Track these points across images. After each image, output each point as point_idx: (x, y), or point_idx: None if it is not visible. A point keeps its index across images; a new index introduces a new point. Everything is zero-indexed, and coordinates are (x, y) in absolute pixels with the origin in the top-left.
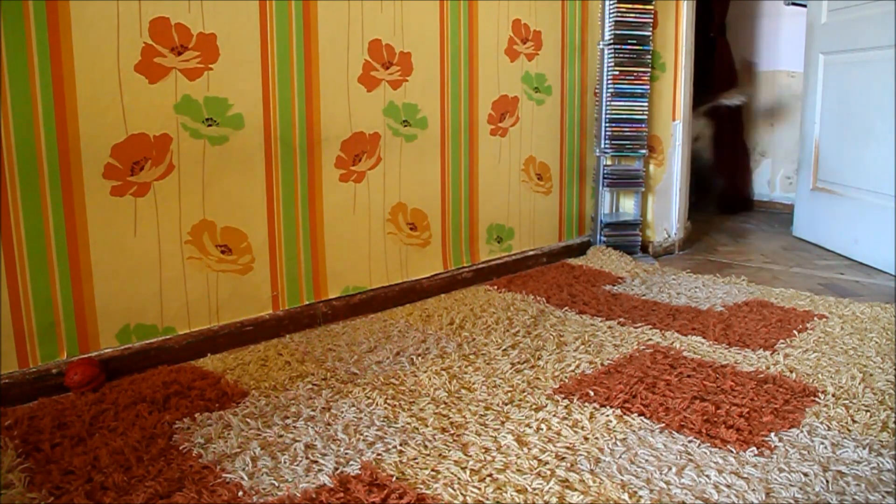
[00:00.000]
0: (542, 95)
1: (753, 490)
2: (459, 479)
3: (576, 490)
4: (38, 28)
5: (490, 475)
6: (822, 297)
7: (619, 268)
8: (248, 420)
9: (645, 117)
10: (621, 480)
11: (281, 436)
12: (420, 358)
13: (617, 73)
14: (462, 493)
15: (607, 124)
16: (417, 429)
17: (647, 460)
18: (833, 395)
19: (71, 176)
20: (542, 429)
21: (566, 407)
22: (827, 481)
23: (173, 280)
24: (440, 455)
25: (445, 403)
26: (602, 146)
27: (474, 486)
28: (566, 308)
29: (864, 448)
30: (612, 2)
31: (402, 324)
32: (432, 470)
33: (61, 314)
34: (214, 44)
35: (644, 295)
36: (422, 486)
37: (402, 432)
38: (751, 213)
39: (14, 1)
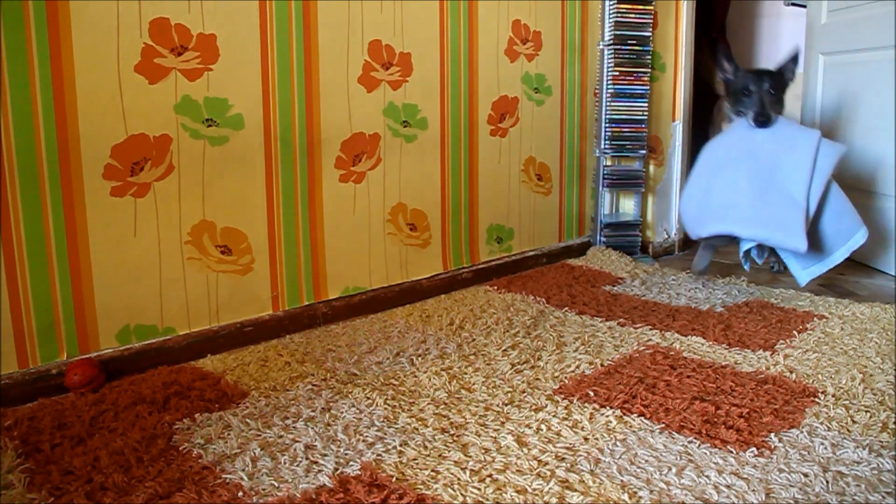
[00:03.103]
0: (541, 96)
1: (753, 490)
2: (459, 479)
3: (576, 491)
4: (38, 28)
5: (490, 476)
6: (822, 297)
7: (618, 268)
8: (248, 420)
9: (645, 117)
10: (621, 481)
11: (281, 436)
12: (420, 358)
13: (617, 73)
14: (462, 494)
15: (607, 124)
16: (417, 429)
17: (646, 461)
18: (833, 396)
19: (71, 176)
20: (541, 429)
21: (566, 407)
22: (827, 482)
23: (173, 280)
24: (440, 455)
25: (445, 404)
26: (602, 146)
27: (474, 487)
28: (566, 309)
29: (863, 449)
30: (612, 2)
31: (402, 324)
32: (432, 470)
33: (61, 314)
34: (214, 44)
35: (644, 295)
36: (422, 487)
37: (401, 433)
38: None
39: (14, 1)
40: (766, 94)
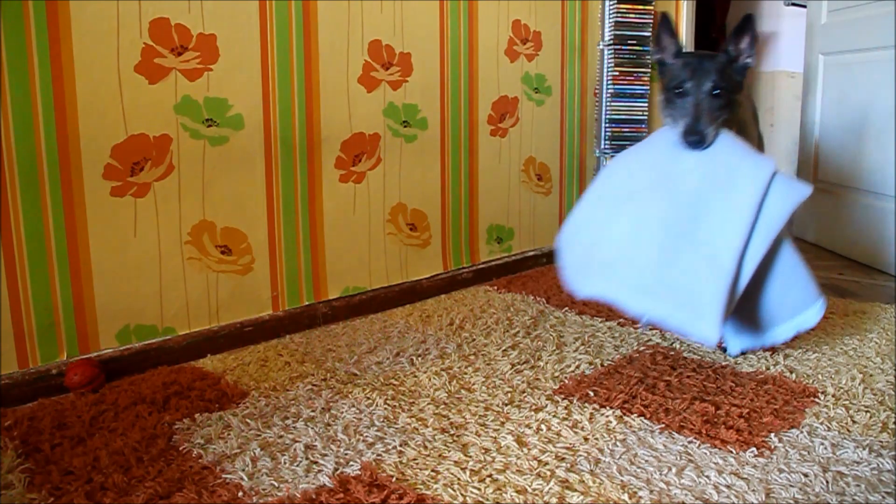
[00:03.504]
0: (541, 96)
1: (753, 490)
2: (459, 479)
3: (576, 491)
4: (38, 28)
5: (490, 476)
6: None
7: None
8: (248, 420)
9: (645, 117)
10: (621, 481)
11: (281, 436)
12: (420, 358)
13: (617, 73)
14: (462, 494)
15: (607, 124)
16: (417, 429)
17: (646, 461)
18: (833, 396)
19: (71, 176)
20: (541, 429)
21: (566, 407)
22: (827, 482)
23: (173, 280)
24: (440, 455)
25: (445, 404)
26: (602, 146)
27: (474, 487)
28: (566, 308)
29: (863, 449)
30: (612, 2)
31: (402, 324)
32: (432, 470)
33: (61, 314)
34: (214, 44)
35: None
36: (422, 487)
37: (401, 433)
38: None
39: (14, 1)
40: (706, 97)
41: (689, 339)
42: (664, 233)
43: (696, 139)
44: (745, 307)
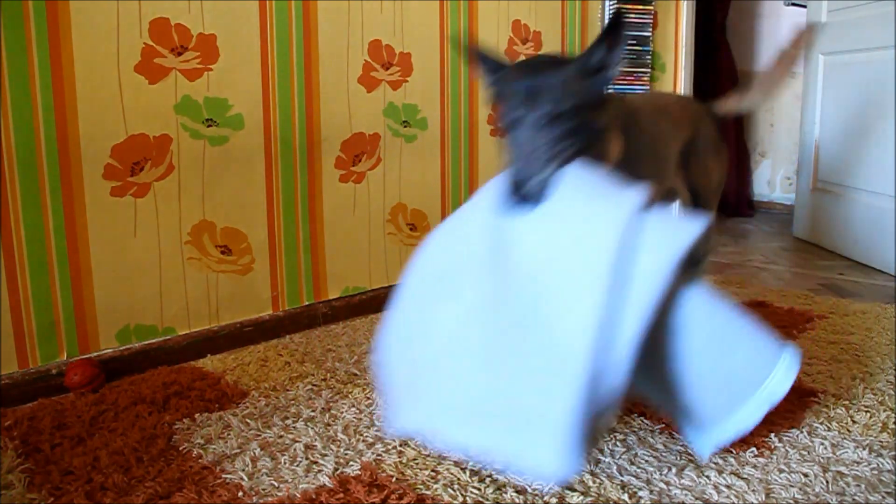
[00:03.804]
0: None
1: (753, 490)
2: (459, 479)
3: (576, 490)
4: (38, 28)
5: (490, 476)
6: (822, 297)
7: None
8: (248, 421)
9: None
10: (621, 481)
11: (281, 436)
12: None
13: (616, 73)
14: (462, 494)
15: None
16: None
17: (646, 461)
18: (833, 396)
19: (71, 176)
20: None
21: None
22: (827, 482)
23: (173, 280)
24: (440, 456)
25: None
26: None
27: (474, 487)
28: None
29: (864, 449)
30: (612, 2)
31: None
32: (432, 470)
33: (61, 314)
34: (214, 44)
35: None
36: (422, 487)
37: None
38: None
39: (14, 1)
40: (536, 128)
41: (529, 481)
42: (494, 326)
43: (523, 195)
44: (686, 396)
